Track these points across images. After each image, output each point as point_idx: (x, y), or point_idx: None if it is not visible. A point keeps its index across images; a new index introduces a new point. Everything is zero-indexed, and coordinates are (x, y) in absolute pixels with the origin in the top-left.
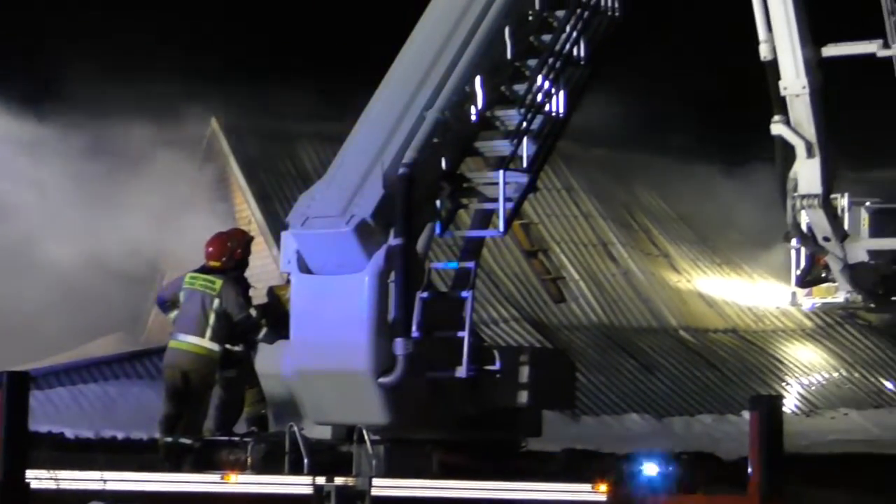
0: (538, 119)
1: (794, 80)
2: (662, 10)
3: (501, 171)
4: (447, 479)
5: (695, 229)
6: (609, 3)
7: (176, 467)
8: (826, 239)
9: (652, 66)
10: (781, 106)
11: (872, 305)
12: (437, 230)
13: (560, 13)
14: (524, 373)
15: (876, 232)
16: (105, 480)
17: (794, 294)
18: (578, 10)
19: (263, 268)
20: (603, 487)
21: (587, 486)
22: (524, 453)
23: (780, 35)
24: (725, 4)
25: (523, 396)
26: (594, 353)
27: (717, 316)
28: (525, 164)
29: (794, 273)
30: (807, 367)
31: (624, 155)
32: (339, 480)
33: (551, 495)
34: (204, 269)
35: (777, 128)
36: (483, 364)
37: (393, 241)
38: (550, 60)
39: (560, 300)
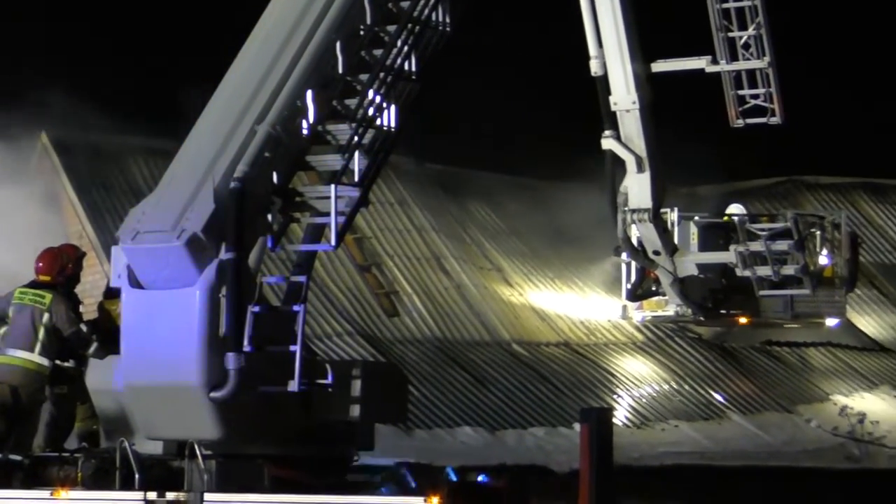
0: (370, 133)
1: (624, 96)
2: (495, 24)
3: (333, 186)
4: (279, 494)
5: (527, 243)
6: (440, 18)
7: (5, 484)
8: (656, 253)
9: (484, 79)
10: (612, 121)
11: (702, 318)
12: (269, 244)
13: (391, 28)
14: (356, 386)
15: (705, 246)
16: None
17: (624, 307)
18: (409, 25)
19: (94, 283)
20: (435, 500)
21: (419, 500)
22: (356, 467)
23: (611, 50)
24: (556, 20)
25: (355, 410)
26: (427, 366)
27: (550, 329)
28: (357, 179)
29: (625, 287)
30: (638, 380)
31: (456, 169)
32: (170, 496)
33: None
34: (34, 284)
35: (607, 142)
36: (315, 378)
37: (224, 255)
38: (382, 75)
39: (393, 314)
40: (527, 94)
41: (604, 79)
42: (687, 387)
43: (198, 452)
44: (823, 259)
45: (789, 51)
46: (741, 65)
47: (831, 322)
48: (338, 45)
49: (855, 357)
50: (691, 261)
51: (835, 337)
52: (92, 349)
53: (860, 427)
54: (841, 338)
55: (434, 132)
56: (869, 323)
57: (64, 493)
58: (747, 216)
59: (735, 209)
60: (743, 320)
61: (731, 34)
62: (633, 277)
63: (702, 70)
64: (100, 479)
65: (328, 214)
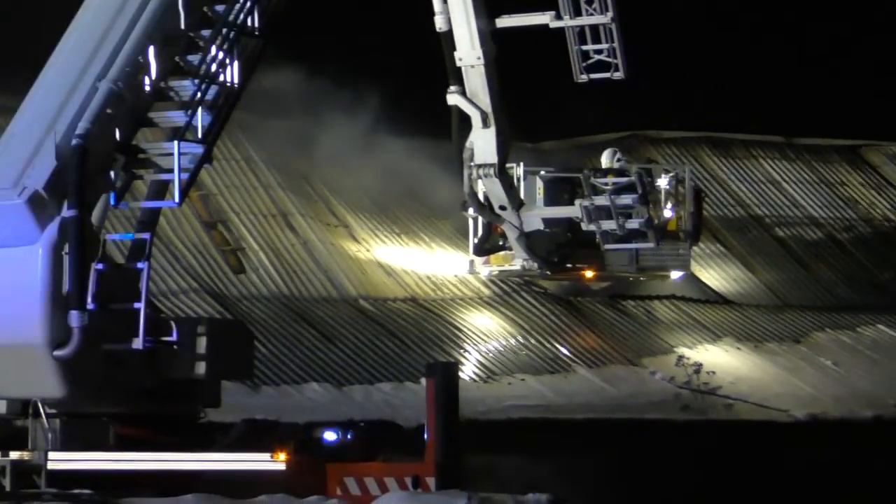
0: (213, 90)
1: (469, 51)
2: None
3: (176, 142)
4: (125, 452)
5: (374, 199)
6: None
7: None
8: (502, 208)
9: (335, 37)
10: (457, 76)
11: (548, 273)
12: (112, 201)
13: None
14: (202, 344)
15: (551, 200)
16: None
17: (471, 262)
18: None
19: None
20: (282, 456)
21: (266, 456)
22: (203, 424)
23: (455, 6)
24: None
25: (201, 367)
26: (274, 323)
27: (397, 285)
28: (200, 135)
29: (472, 242)
30: (485, 335)
31: (303, 125)
32: (14, 455)
33: (231, 465)
34: None
35: (453, 98)
36: (160, 336)
37: (66, 212)
38: (224, 31)
39: (240, 271)
40: (377, 48)
41: (448, 34)
42: (533, 341)
43: (41, 411)
44: (667, 213)
45: (631, 6)
46: (584, 20)
47: (676, 275)
48: (180, 0)
49: (699, 310)
50: (537, 215)
51: (679, 290)
52: None
53: (696, 377)
54: (685, 291)
55: (281, 87)
56: (713, 276)
57: None
58: (618, 167)
59: (607, 156)
60: (589, 274)
61: None
62: (480, 232)
63: (546, 25)
64: None
65: (172, 171)
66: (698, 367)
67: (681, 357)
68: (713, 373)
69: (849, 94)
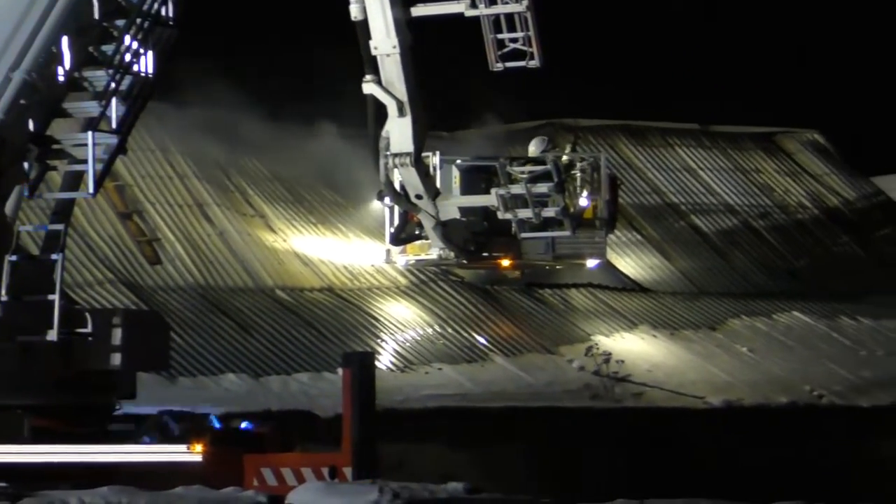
0: (127, 80)
1: (384, 40)
2: None
3: (90, 133)
4: (40, 444)
5: (290, 189)
6: None
7: None
8: (418, 197)
9: (249, 25)
10: (373, 65)
11: (464, 262)
12: (26, 192)
13: None
14: (117, 335)
15: (467, 189)
16: None
17: (388, 252)
18: None
19: None
20: (199, 448)
21: (183, 447)
22: (118, 416)
23: None
24: None
25: (116, 359)
26: (190, 313)
27: (313, 275)
28: (115, 125)
29: (388, 231)
30: (402, 324)
31: (218, 114)
32: None
33: (147, 457)
34: None
35: (369, 87)
36: (75, 327)
37: None
38: (138, 21)
39: (155, 262)
40: (293, 37)
41: (364, 23)
42: (450, 330)
43: None
44: (583, 201)
45: None
46: (499, 8)
47: (592, 263)
48: None
49: (615, 297)
50: (453, 204)
51: (596, 278)
52: None
53: (605, 367)
54: (601, 279)
55: (196, 77)
56: (629, 264)
57: None
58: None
59: (536, 145)
60: (505, 262)
61: None
62: (396, 222)
63: (461, 14)
64: None
65: (86, 162)
66: (608, 357)
67: (590, 346)
68: (622, 361)
69: (763, 82)
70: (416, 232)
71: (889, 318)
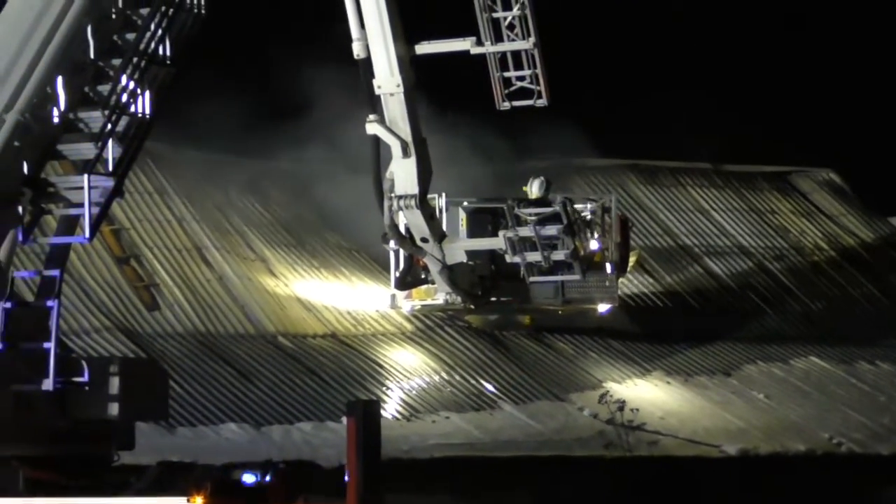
0: (123, 120)
1: (388, 79)
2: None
3: (86, 175)
4: (35, 497)
5: (292, 232)
6: (194, 1)
7: None
8: (424, 240)
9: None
10: (376, 105)
11: (471, 306)
12: (20, 237)
13: (144, 11)
14: (114, 384)
15: (473, 232)
16: None
17: (393, 297)
18: (163, 8)
19: None
20: (199, 500)
21: (183, 499)
22: (117, 467)
23: (373, 32)
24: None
25: (114, 408)
26: (189, 361)
27: (316, 320)
28: (111, 168)
29: (393, 275)
30: (407, 371)
31: (218, 156)
32: None
33: None
34: None
35: (372, 127)
36: (71, 376)
37: None
38: (134, 60)
39: (154, 308)
40: (294, 77)
41: (367, 61)
42: (457, 377)
43: None
44: (594, 244)
45: (554, 32)
46: (506, 46)
47: (603, 307)
48: (88, 28)
49: (627, 343)
50: (460, 247)
51: (607, 323)
52: None
53: (619, 415)
54: (613, 323)
55: (193, 119)
56: (641, 308)
57: None
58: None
59: (537, 186)
60: (514, 307)
61: (495, 15)
62: (402, 265)
63: (467, 52)
64: None
65: (81, 205)
66: (622, 405)
67: (604, 394)
68: (637, 410)
69: (776, 119)
70: (422, 276)
71: None
